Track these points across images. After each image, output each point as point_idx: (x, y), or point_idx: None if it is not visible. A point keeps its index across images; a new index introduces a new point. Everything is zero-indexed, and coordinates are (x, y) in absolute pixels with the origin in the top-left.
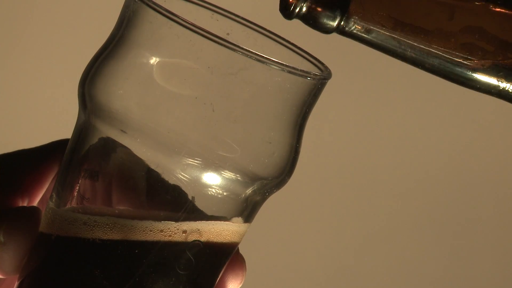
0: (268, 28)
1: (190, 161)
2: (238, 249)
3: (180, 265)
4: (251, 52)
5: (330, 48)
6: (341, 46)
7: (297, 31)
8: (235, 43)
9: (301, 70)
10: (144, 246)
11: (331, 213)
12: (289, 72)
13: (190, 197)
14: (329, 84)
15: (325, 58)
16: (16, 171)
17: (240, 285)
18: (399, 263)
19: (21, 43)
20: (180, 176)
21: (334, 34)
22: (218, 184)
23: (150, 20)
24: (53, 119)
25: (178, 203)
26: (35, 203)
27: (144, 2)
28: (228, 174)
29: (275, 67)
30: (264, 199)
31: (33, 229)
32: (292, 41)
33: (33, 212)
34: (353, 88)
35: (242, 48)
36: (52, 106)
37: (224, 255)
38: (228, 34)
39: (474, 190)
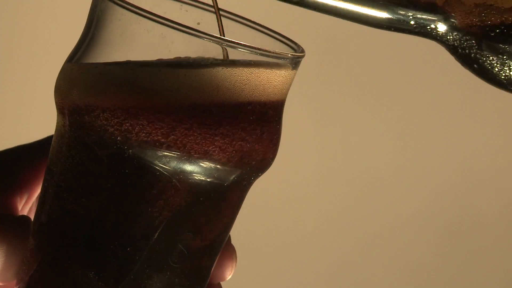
0: (240, 14)
1: (168, 153)
2: (230, 239)
3: (173, 258)
4: (222, 39)
5: (334, 48)
6: (346, 46)
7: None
8: (205, 31)
9: (273, 52)
10: (137, 242)
11: (332, 211)
12: (262, 55)
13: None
14: (336, 82)
15: (330, 57)
16: (13, 168)
17: (230, 276)
18: (400, 262)
19: (23, 39)
20: (162, 166)
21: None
22: (201, 172)
23: (118, 18)
24: (52, 116)
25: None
26: (35, 197)
27: (111, 0)
28: (208, 164)
29: (247, 51)
30: (250, 182)
31: (22, 238)
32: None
33: (22, 221)
34: (358, 86)
35: (213, 36)
36: (51, 102)
37: (216, 244)
38: (198, 23)
39: (477, 191)
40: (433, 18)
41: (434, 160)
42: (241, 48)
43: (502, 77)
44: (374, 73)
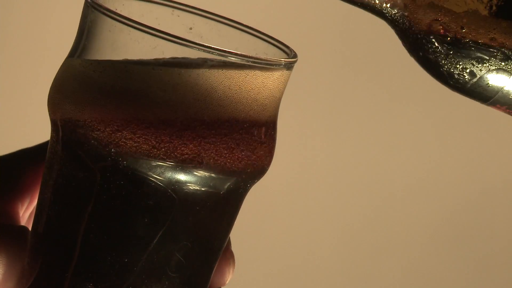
0: (231, 18)
1: (162, 163)
2: (229, 243)
3: (171, 268)
4: (213, 48)
5: (341, 48)
6: (354, 46)
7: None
8: (195, 41)
9: (264, 60)
10: (134, 252)
11: (330, 215)
12: (254, 63)
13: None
14: (349, 87)
15: (337, 57)
16: (14, 172)
17: (228, 281)
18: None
19: (22, 41)
20: (157, 177)
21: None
22: (196, 181)
23: (109, 29)
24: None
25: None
26: (36, 201)
27: (100, 11)
28: (203, 173)
29: (239, 59)
30: (246, 189)
31: (21, 249)
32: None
33: (21, 232)
34: (371, 91)
35: (203, 45)
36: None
37: (214, 251)
38: (191, 28)
39: (498, 200)
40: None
41: (448, 169)
42: (233, 57)
43: (444, 69)
44: (387, 73)
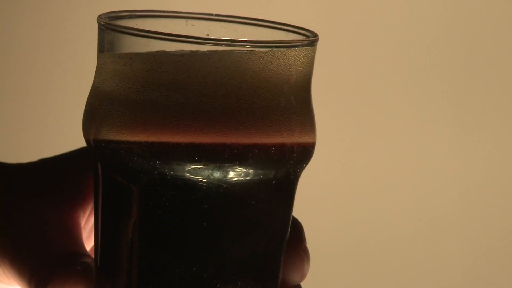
0: (244, 16)
1: (209, 165)
2: (301, 239)
3: (240, 267)
4: (240, 41)
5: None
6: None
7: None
8: (220, 39)
9: (289, 42)
10: (200, 259)
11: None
12: (279, 46)
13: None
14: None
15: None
16: (74, 175)
17: (303, 280)
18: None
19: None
20: (206, 179)
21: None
22: (246, 175)
23: (128, 45)
24: None
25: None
26: None
27: (117, 31)
28: (251, 168)
29: (267, 47)
30: (297, 175)
31: (90, 284)
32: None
33: (88, 265)
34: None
35: (229, 40)
36: None
37: (278, 243)
38: (207, 35)
39: None
40: None
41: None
42: (260, 46)
43: None
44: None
